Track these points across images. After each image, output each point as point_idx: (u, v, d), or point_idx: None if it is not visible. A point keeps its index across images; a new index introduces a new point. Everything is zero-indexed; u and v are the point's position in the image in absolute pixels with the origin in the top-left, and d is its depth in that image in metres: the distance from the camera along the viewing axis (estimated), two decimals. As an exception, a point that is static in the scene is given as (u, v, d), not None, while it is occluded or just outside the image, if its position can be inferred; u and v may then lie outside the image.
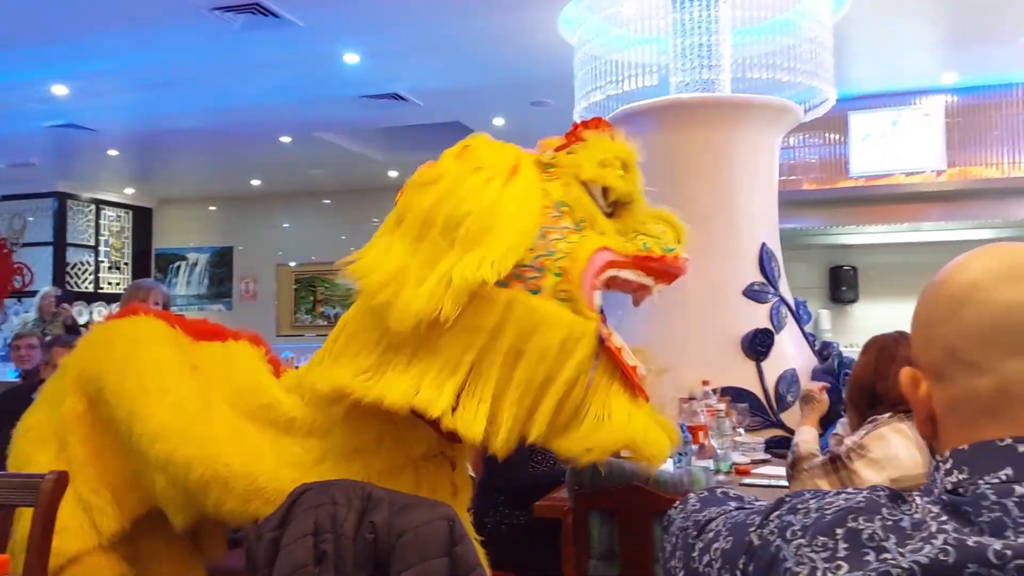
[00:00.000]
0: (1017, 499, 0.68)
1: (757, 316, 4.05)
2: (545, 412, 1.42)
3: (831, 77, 4.31)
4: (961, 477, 0.73)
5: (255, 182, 10.03)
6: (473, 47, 5.49)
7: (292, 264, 10.49)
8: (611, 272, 1.53)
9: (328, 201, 10.49)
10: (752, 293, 4.09)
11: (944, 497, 0.73)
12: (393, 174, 9.51)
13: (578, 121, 1.72)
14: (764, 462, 3.32)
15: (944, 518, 0.70)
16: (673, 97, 4.26)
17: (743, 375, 3.95)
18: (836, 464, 2.21)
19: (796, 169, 7.37)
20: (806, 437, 2.39)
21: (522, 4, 4.80)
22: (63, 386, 1.88)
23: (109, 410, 1.77)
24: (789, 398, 3.89)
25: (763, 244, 4.18)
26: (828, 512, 0.76)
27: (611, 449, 1.50)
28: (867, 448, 2.18)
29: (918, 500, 0.75)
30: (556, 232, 1.48)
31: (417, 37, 5.31)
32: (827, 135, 7.30)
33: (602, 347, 1.45)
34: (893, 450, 2.16)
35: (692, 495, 1.04)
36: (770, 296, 4.12)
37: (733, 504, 0.97)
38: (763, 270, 4.14)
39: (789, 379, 3.96)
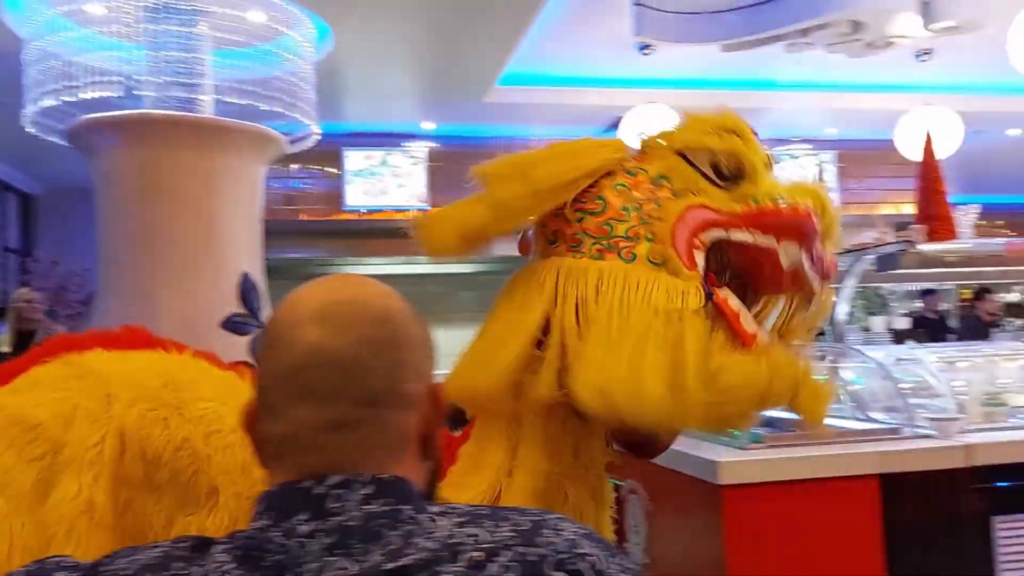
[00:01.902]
0: (300, 539, 0.67)
1: (238, 348, 3.90)
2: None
3: (313, 111, 4.40)
4: (266, 523, 0.69)
5: None
6: None
7: None
8: (716, 233, 1.42)
9: None
10: (232, 324, 3.94)
11: (241, 543, 0.69)
12: None
13: None
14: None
15: (233, 566, 0.67)
16: (144, 112, 3.93)
17: (222, 410, 3.77)
18: None
19: (295, 199, 7.48)
20: None
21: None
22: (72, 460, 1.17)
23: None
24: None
25: (245, 274, 4.05)
26: (128, 572, 0.71)
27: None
28: None
29: (215, 549, 0.70)
30: (652, 203, 1.42)
31: None
32: (325, 168, 7.55)
33: (710, 301, 1.37)
34: None
35: (20, 569, 0.86)
36: (252, 328, 4.01)
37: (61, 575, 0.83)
38: (245, 301, 4.02)
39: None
